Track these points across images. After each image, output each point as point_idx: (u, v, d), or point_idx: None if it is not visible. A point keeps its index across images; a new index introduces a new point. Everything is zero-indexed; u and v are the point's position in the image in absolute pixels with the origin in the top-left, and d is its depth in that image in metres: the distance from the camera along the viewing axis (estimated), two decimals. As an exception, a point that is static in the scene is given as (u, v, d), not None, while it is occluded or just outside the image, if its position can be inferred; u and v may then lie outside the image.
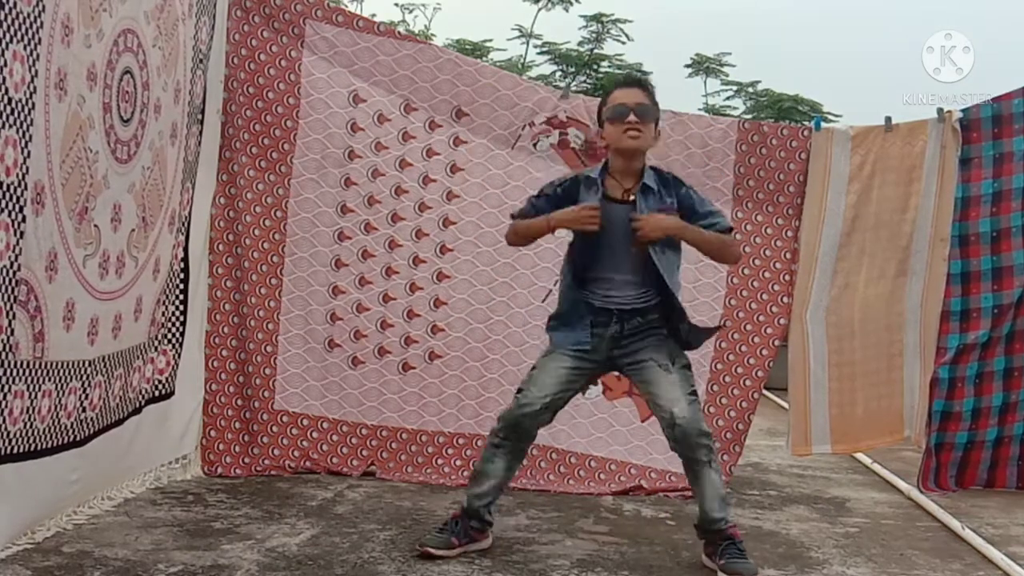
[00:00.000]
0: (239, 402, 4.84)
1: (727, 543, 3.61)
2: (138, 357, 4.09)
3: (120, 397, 3.95)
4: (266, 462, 4.81)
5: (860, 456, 5.70)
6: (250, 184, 4.82)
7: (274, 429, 4.86)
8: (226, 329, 4.82)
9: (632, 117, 3.66)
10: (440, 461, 4.92)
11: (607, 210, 3.66)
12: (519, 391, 3.77)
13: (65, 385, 3.46)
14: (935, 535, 4.25)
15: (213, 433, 4.79)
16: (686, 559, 3.75)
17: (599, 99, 3.92)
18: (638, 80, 3.95)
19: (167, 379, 4.47)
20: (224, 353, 4.82)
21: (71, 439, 3.56)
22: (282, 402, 4.88)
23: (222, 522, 3.92)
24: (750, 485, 5.07)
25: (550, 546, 3.83)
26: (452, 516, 3.75)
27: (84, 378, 3.59)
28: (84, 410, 3.63)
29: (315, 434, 4.89)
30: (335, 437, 4.90)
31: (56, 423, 3.43)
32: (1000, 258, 4.93)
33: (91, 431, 3.71)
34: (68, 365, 3.48)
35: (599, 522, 4.20)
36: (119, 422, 3.96)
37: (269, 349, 4.86)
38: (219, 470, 4.73)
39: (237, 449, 4.81)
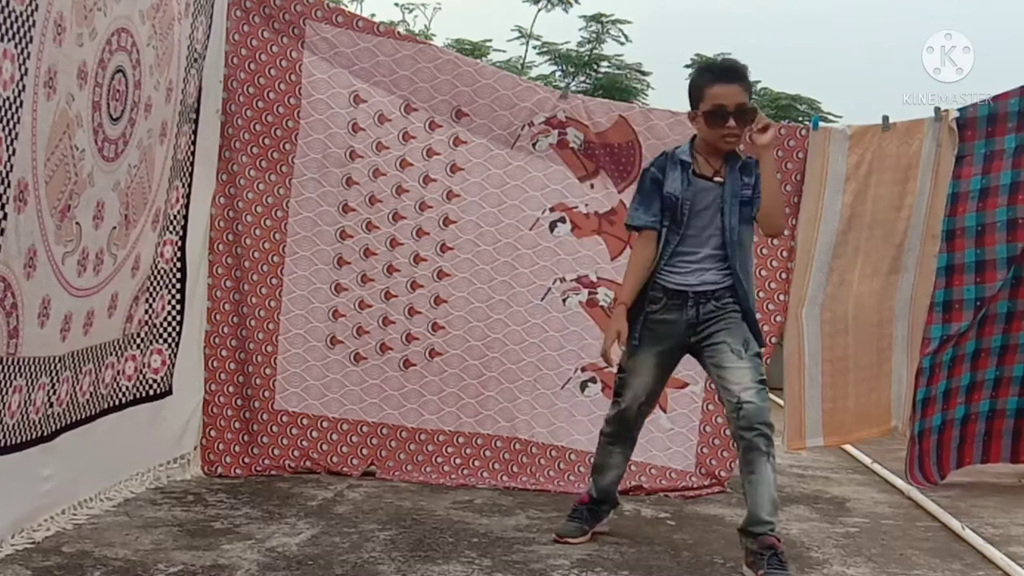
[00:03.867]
0: (239, 402, 4.76)
1: (770, 554, 3.44)
2: (111, 353, 3.99)
3: (90, 393, 3.85)
4: (266, 462, 4.74)
5: (860, 456, 5.65)
6: (251, 184, 4.75)
7: (274, 429, 4.78)
8: (226, 329, 4.75)
9: (732, 123, 3.61)
10: (440, 459, 4.86)
11: (698, 186, 3.67)
12: (617, 395, 3.87)
13: (35, 381, 3.37)
14: (935, 535, 4.17)
15: (213, 433, 4.71)
16: (686, 559, 3.68)
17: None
18: (739, 73, 3.69)
19: (162, 378, 4.38)
20: (224, 353, 4.75)
21: (38, 435, 3.47)
22: (282, 402, 4.80)
23: (222, 522, 3.85)
24: (750, 484, 5.01)
25: (550, 546, 3.76)
26: (579, 502, 3.92)
27: (53, 374, 3.50)
28: (51, 405, 3.53)
29: (315, 433, 4.81)
30: (335, 436, 4.83)
31: (24, 419, 3.35)
32: (984, 251, 4.91)
33: (57, 427, 3.61)
34: (39, 361, 3.39)
35: (599, 522, 4.15)
36: (89, 419, 3.86)
37: (269, 349, 4.79)
38: (219, 470, 4.66)
39: (237, 449, 4.73)
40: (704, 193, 3.67)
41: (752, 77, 3.79)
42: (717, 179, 3.67)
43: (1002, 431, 5.19)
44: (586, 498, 3.93)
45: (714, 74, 3.69)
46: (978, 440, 5.16)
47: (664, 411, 4.91)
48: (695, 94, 3.72)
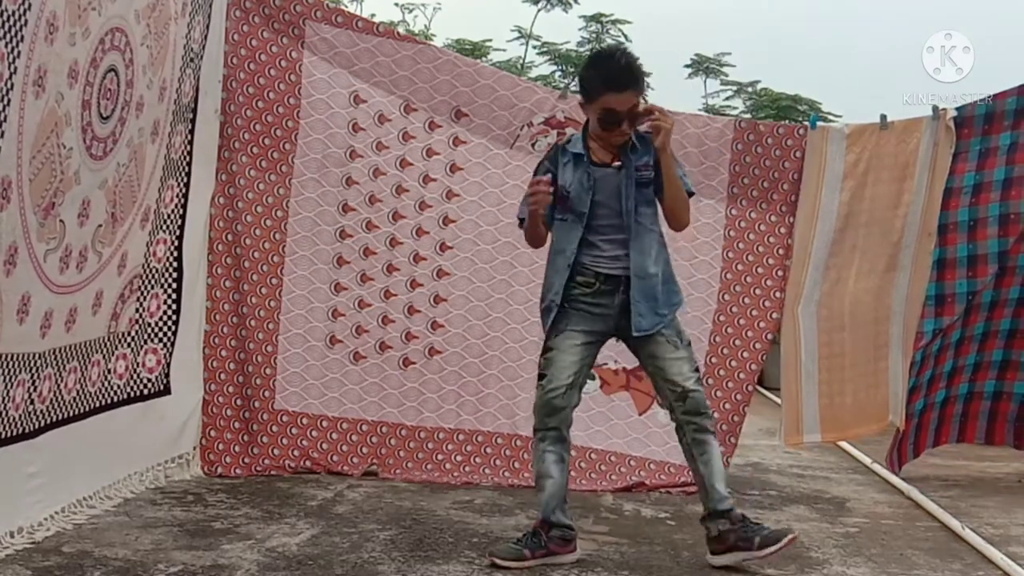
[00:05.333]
0: (239, 402, 4.72)
1: (742, 524, 3.48)
2: (96, 351, 3.93)
3: (77, 391, 3.80)
4: (266, 462, 4.69)
5: (860, 456, 5.61)
6: (251, 184, 4.71)
7: (274, 429, 4.74)
8: (225, 329, 4.70)
9: (624, 127, 3.52)
10: (440, 457, 4.83)
11: (597, 175, 3.56)
12: (541, 377, 3.65)
13: (14, 377, 3.32)
14: (935, 535, 4.11)
15: (213, 433, 4.67)
16: (686, 559, 3.63)
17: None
18: (629, 79, 3.52)
19: (157, 378, 4.34)
20: (223, 353, 4.70)
21: (20, 431, 3.42)
22: (282, 401, 4.76)
23: (222, 522, 3.81)
24: (750, 485, 4.94)
25: (550, 546, 3.74)
26: (532, 528, 3.59)
27: (33, 370, 3.44)
28: (32, 402, 3.47)
29: (315, 433, 4.77)
30: (335, 435, 4.79)
31: (4, 415, 3.30)
32: (976, 246, 4.91)
33: (41, 424, 3.55)
34: (18, 357, 3.34)
35: (599, 522, 4.10)
36: (78, 417, 3.81)
37: (269, 349, 4.75)
38: (219, 470, 4.61)
39: (237, 449, 4.69)
40: (605, 180, 3.57)
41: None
42: (615, 164, 3.57)
43: (978, 413, 5.23)
44: (536, 523, 3.61)
45: (605, 82, 3.50)
46: (955, 420, 5.21)
47: (661, 407, 4.90)
48: (587, 90, 3.57)
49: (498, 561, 3.45)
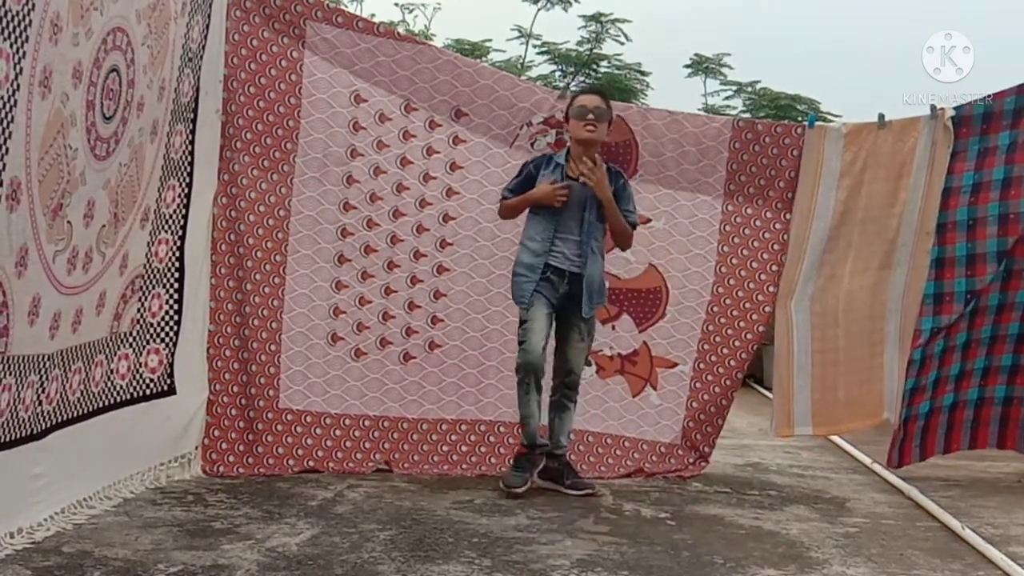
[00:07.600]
0: (243, 401, 4.68)
1: (567, 468, 4.59)
2: (100, 352, 3.90)
3: (81, 392, 3.76)
4: (270, 461, 4.66)
5: (860, 456, 5.57)
6: (253, 183, 4.69)
7: (279, 428, 4.71)
8: (229, 328, 4.66)
9: (590, 116, 4.44)
10: (445, 448, 4.88)
11: (569, 186, 4.45)
12: (521, 343, 4.46)
13: (24, 379, 3.29)
14: (935, 535, 4.06)
15: (216, 432, 4.62)
16: (686, 559, 3.60)
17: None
18: (598, 89, 4.95)
19: (159, 378, 4.30)
20: (227, 353, 4.66)
21: (29, 432, 3.39)
22: (286, 400, 4.73)
23: (222, 522, 3.78)
24: (750, 485, 4.89)
25: (550, 546, 3.66)
26: (518, 454, 4.55)
27: (42, 372, 3.41)
28: (41, 403, 3.44)
29: (318, 430, 4.75)
30: (338, 432, 4.78)
31: (14, 417, 3.27)
32: (975, 245, 4.89)
33: (48, 425, 3.52)
34: (28, 359, 3.30)
35: (599, 522, 4.07)
36: (82, 417, 3.78)
37: (273, 348, 4.72)
38: (220, 469, 4.56)
39: (241, 448, 4.64)
40: (573, 190, 4.43)
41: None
42: (582, 180, 4.44)
43: (990, 418, 5.18)
44: (523, 449, 4.52)
45: (580, 91, 4.72)
46: (966, 427, 5.16)
47: (654, 389, 5.06)
48: (568, 108, 4.55)
49: (515, 490, 4.37)
